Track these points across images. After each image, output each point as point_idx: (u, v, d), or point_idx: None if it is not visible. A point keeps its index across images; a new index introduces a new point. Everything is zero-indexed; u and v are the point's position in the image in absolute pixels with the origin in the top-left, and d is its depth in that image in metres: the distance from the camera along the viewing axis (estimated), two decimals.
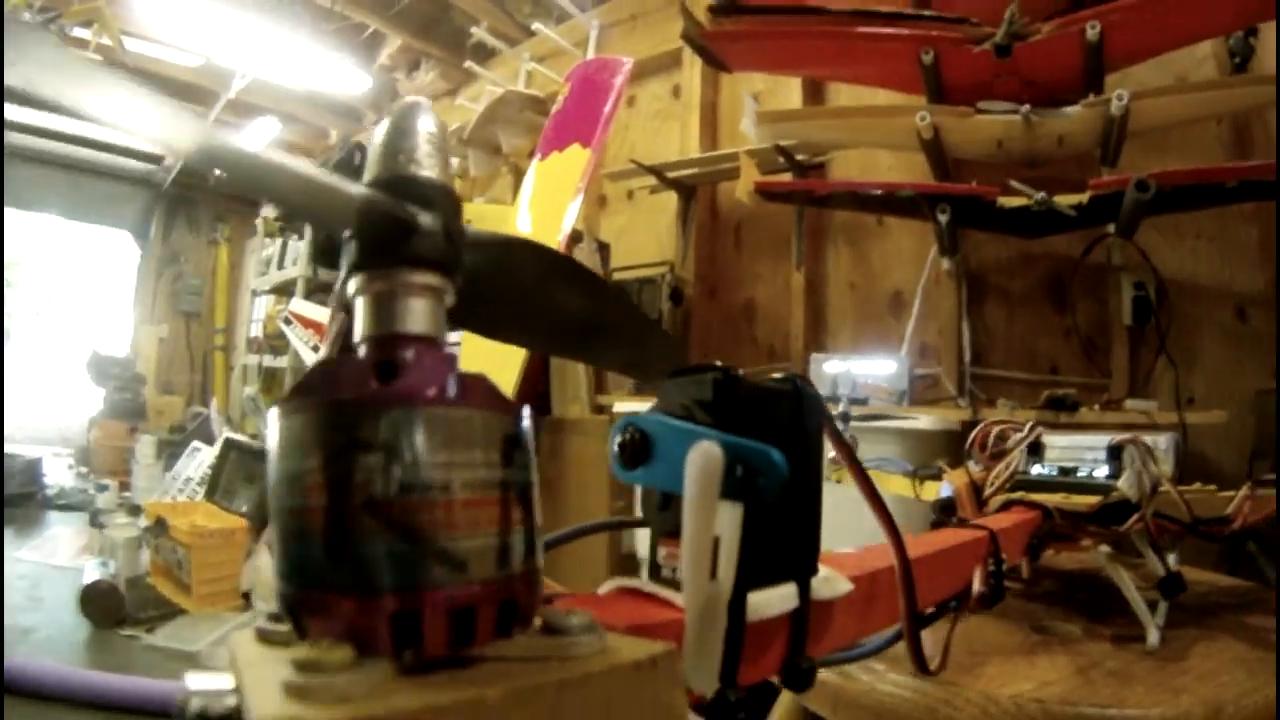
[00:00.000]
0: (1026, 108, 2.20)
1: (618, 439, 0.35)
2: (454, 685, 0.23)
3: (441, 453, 0.25)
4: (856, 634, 0.44)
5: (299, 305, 4.24)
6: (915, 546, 0.47)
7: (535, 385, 2.62)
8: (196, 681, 0.24)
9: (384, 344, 0.27)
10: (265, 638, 0.26)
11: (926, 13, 2.29)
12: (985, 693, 0.61)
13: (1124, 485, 0.78)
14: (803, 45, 2.36)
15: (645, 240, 3.34)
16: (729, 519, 0.32)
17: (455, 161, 3.78)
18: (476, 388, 0.27)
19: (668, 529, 0.35)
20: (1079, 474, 0.84)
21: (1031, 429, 0.90)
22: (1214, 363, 2.44)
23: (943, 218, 2.24)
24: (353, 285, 0.28)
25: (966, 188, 2.26)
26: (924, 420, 2.10)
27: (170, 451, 4.39)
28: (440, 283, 0.28)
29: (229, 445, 3.64)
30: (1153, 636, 0.73)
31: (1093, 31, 2.12)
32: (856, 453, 0.50)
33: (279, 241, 5.19)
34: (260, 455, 2.73)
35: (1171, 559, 0.79)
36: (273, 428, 0.27)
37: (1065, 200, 2.14)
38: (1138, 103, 2.15)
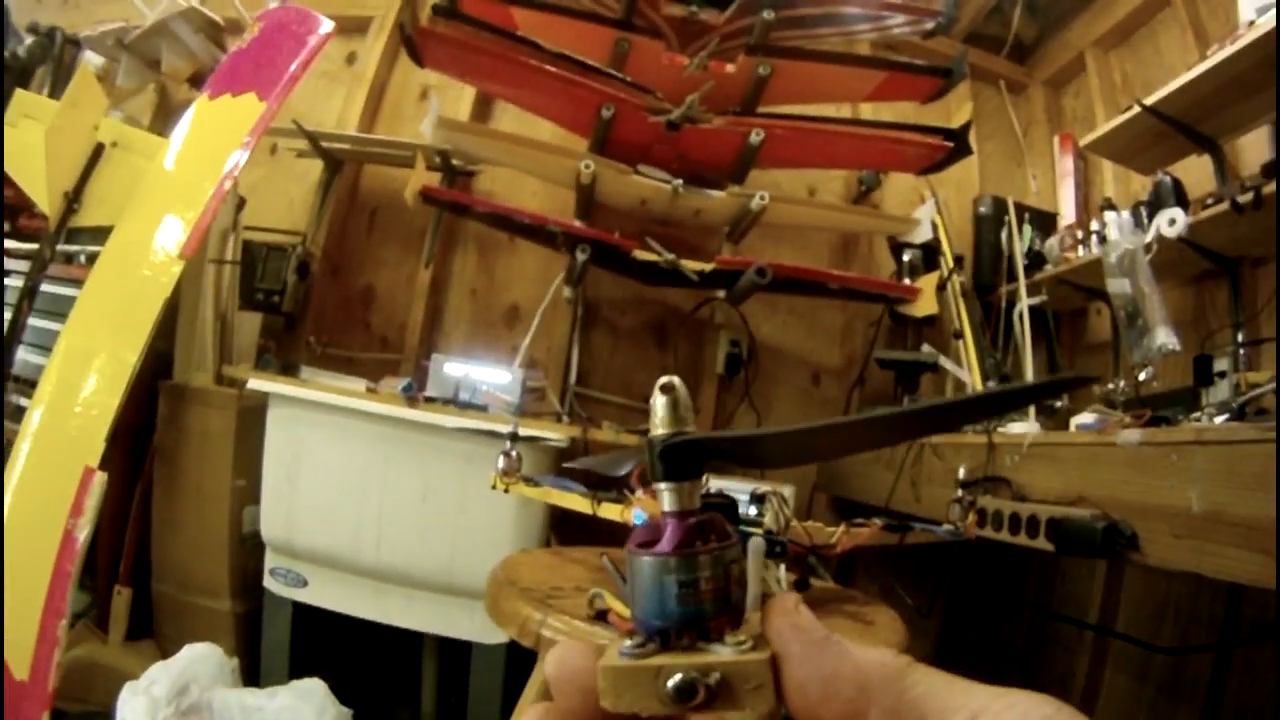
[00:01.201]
0: (679, 182, 2.47)
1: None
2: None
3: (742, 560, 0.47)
4: None
5: None
6: None
7: (156, 341, 2.33)
8: (684, 674, 0.43)
9: (685, 515, 0.47)
10: (644, 655, 0.45)
11: (623, 75, 2.47)
12: None
13: (768, 520, 1.08)
14: (502, 67, 2.45)
15: (277, 201, 3.14)
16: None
17: (100, 62, 3.37)
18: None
19: None
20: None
21: (704, 479, 1.16)
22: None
23: (582, 256, 2.44)
24: (664, 486, 0.47)
25: (609, 236, 2.47)
26: (542, 434, 2.21)
27: None
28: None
29: None
30: None
31: (756, 137, 2.45)
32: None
33: None
34: None
35: (782, 570, 1.08)
36: (648, 560, 0.45)
37: (692, 266, 2.44)
38: (774, 204, 2.51)
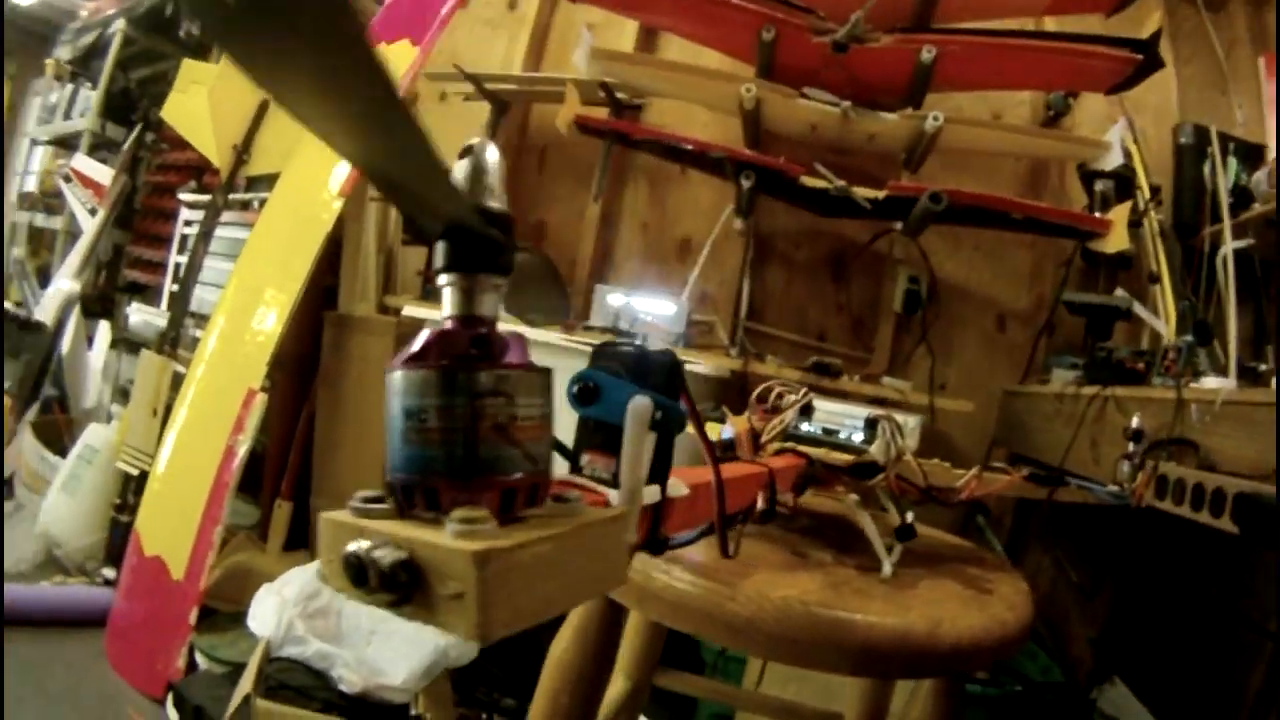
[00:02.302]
0: (848, 104, 2.32)
1: (576, 386, 0.53)
2: (537, 528, 0.40)
3: (529, 398, 0.41)
4: (684, 525, 0.61)
5: (81, 162, 3.99)
6: (723, 473, 0.64)
7: (323, 278, 2.55)
8: (359, 544, 0.36)
9: (470, 322, 0.41)
10: (365, 514, 0.39)
11: None
12: (760, 592, 0.74)
13: (874, 450, 0.94)
14: None
15: (449, 146, 3.08)
16: (649, 444, 0.52)
17: None
18: (531, 359, 0.42)
19: (594, 444, 0.53)
20: (839, 435, 0.98)
21: (805, 394, 1.02)
22: (969, 360, 2.77)
23: (746, 183, 2.35)
24: (444, 278, 0.41)
25: (774, 161, 2.36)
26: (700, 366, 2.20)
27: None
28: (504, 282, 0.42)
29: None
30: (887, 568, 0.87)
31: (928, 54, 2.28)
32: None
33: (68, 88, 4.73)
34: (26, 325, 2.59)
35: (909, 516, 0.93)
36: (402, 375, 0.40)
37: (863, 193, 2.29)
38: (950, 125, 2.32)
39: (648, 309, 2.47)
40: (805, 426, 1.00)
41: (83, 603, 2.25)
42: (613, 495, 0.50)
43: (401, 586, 0.35)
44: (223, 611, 2.14)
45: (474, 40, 3.26)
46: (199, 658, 1.99)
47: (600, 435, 0.53)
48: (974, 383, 2.72)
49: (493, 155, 0.42)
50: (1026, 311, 2.81)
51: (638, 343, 0.57)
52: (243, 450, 2.07)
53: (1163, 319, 2.07)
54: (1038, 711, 1.97)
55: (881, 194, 2.30)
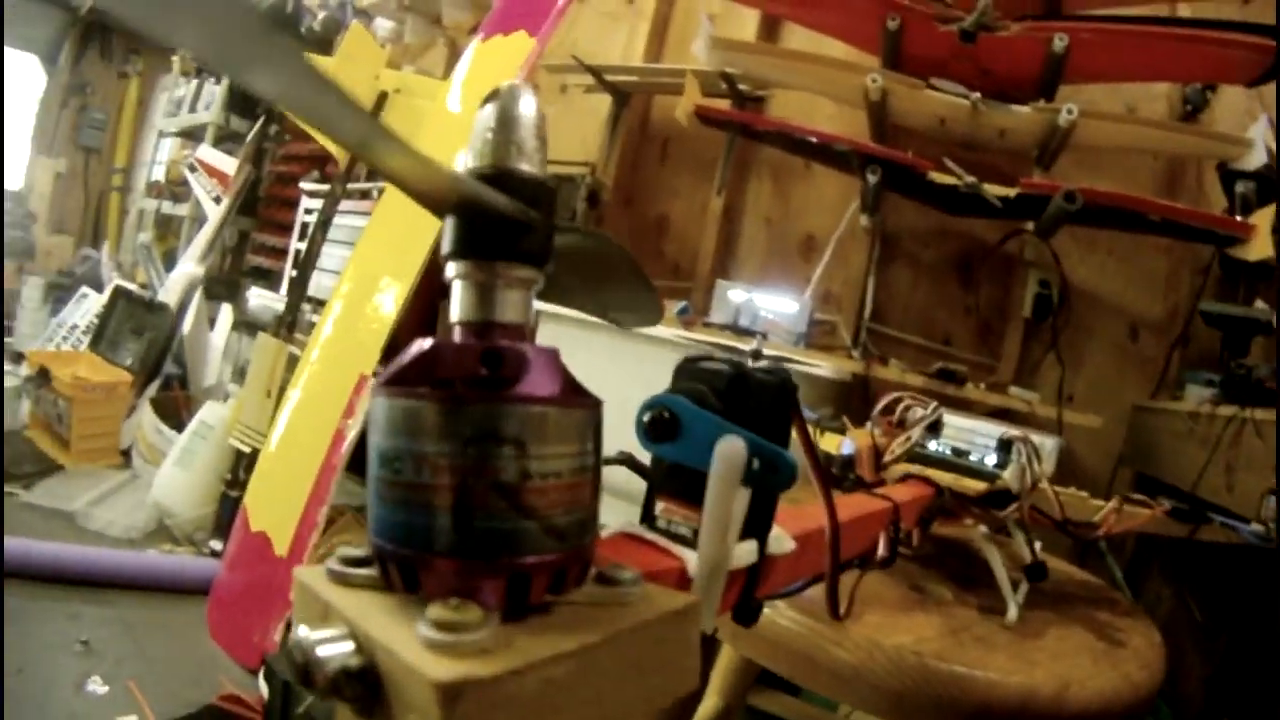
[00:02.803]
0: (978, 95, 2.23)
1: (648, 416, 0.41)
2: (557, 632, 0.29)
3: (556, 445, 0.29)
4: (787, 582, 0.51)
5: (206, 152, 4.10)
6: (840, 511, 0.53)
7: (439, 268, 2.52)
8: (307, 633, 0.27)
9: (486, 330, 0.30)
10: (342, 580, 0.30)
11: None
12: (870, 638, 0.68)
13: (1008, 476, 0.85)
14: None
15: (570, 137, 3.25)
16: (741, 502, 0.39)
17: (390, 25, 3.64)
18: (572, 384, 0.31)
19: (671, 490, 0.42)
20: (970, 457, 0.90)
21: (935, 409, 0.95)
22: (1099, 371, 2.61)
23: (872, 178, 2.27)
24: (452, 269, 0.31)
25: (902, 156, 2.28)
26: (820, 369, 2.15)
27: (57, 296, 4.22)
28: (537, 276, 0.31)
29: (118, 293, 3.58)
30: (1012, 612, 0.81)
31: (1060, 43, 2.17)
32: None
33: (194, 83, 4.86)
34: (150, 306, 2.69)
35: (1038, 546, 0.86)
36: (385, 405, 0.29)
37: (994, 190, 2.19)
38: (1085, 119, 2.21)
39: (769, 306, 2.41)
40: (933, 445, 0.93)
41: (189, 572, 2.30)
42: (690, 560, 0.39)
43: (356, 698, 0.27)
44: None
45: (594, 32, 3.25)
46: None
47: (681, 479, 0.41)
48: (1103, 396, 2.58)
49: (528, 102, 0.32)
50: (1160, 321, 2.63)
51: (737, 359, 0.43)
52: (352, 434, 2.08)
53: None
54: None
55: (1013, 192, 2.19)
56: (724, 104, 2.73)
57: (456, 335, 0.30)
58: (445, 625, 0.26)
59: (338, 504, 2.22)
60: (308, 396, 2.24)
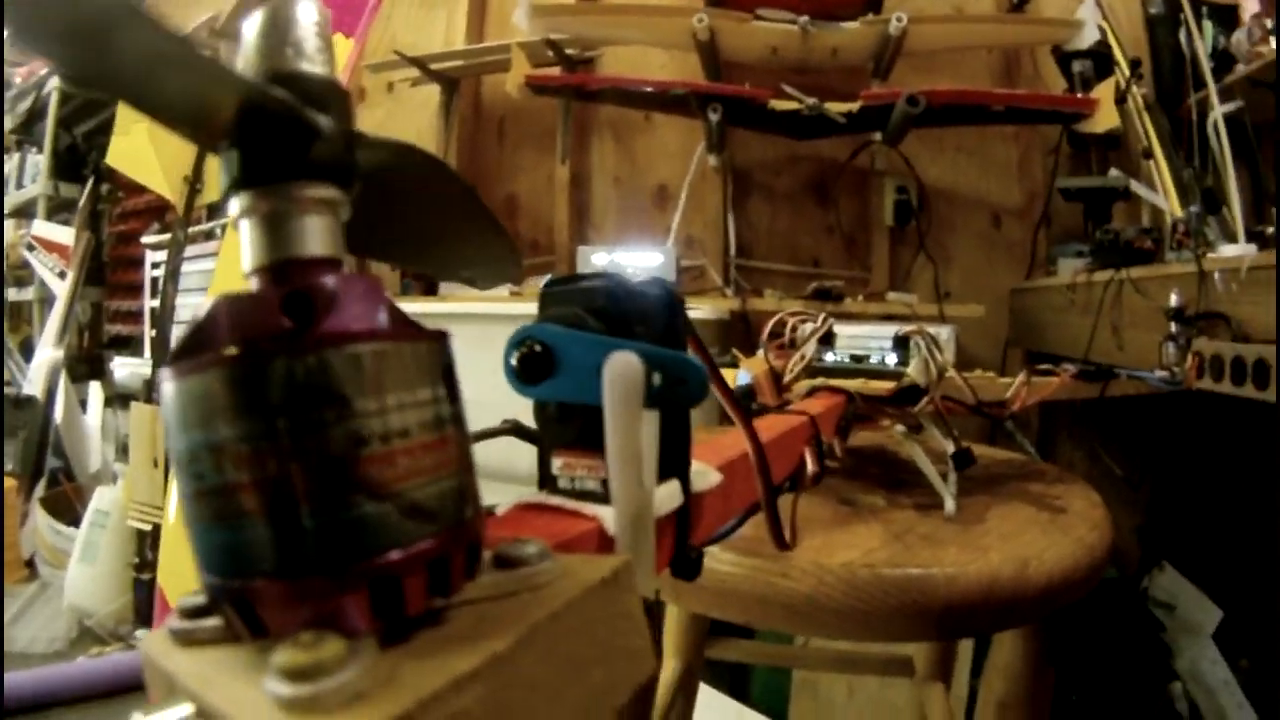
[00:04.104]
0: (805, 19, 2.23)
1: (516, 354, 0.34)
2: (455, 646, 0.21)
3: (395, 394, 0.22)
4: (720, 522, 0.46)
5: (42, 228, 3.89)
6: (760, 433, 0.48)
7: None
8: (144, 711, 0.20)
9: (285, 272, 0.23)
10: (188, 639, 0.23)
11: None
12: (816, 563, 0.64)
13: (913, 371, 0.82)
14: None
15: (404, 135, 3.01)
16: (650, 428, 0.32)
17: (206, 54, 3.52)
18: (399, 314, 0.24)
19: (566, 441, 0.35)
20: (870, 360, 0.87)
21: (825, 320, 0.93)
22: (969, 262, 2.69)
23: (714, 117, 2.27)
24: (236, 206, 0.23)
25: (739, 89, 2.29)
26: (699, 310, 2.13)
27: None
28: (341, 197, 0.24)
29: None
30: (950, 504, 0.78)
31: None
32: None
33: (15, 156, 4.55)
34: (18, 403, 2.54)
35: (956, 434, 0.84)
36: (170, 392, 0.21)
37: (836, 108, 2.21)
38: (915, 25, 2.25)
39: (634, 263, 2.40)
40: (830, 357, 0.89)
41: (124, 669, 2.16)
42: (606, 516, 0.32)
43: None
44: None
45: (412, 22, 3.17)
46: None
47: (573, 425, 0.34)
48: (979, 286, 2.65)
49: (305, 3, 0.24)
50: (1020, 206, 2.71)
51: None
52: None
53: (1162, 194, 1.99)
54: (1093, 608, 1.97)
55: (855, 106, 2.22)
56: (555, 72, 2.70)
57: (253, 286, 0.23)
58: (297, 673, 0.18)
59: None
60: None
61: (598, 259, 2.44)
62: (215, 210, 2.70)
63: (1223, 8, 2.32)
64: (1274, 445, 1.33)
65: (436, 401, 0.23)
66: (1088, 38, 2.30)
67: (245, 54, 0.24)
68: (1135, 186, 2.12)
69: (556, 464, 0.35)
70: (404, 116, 3.18)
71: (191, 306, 2.63)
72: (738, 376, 0.83)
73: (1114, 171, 2.23)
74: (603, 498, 0.33)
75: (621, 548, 0.32)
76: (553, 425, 0.35)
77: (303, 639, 0.19)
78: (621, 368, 0.31)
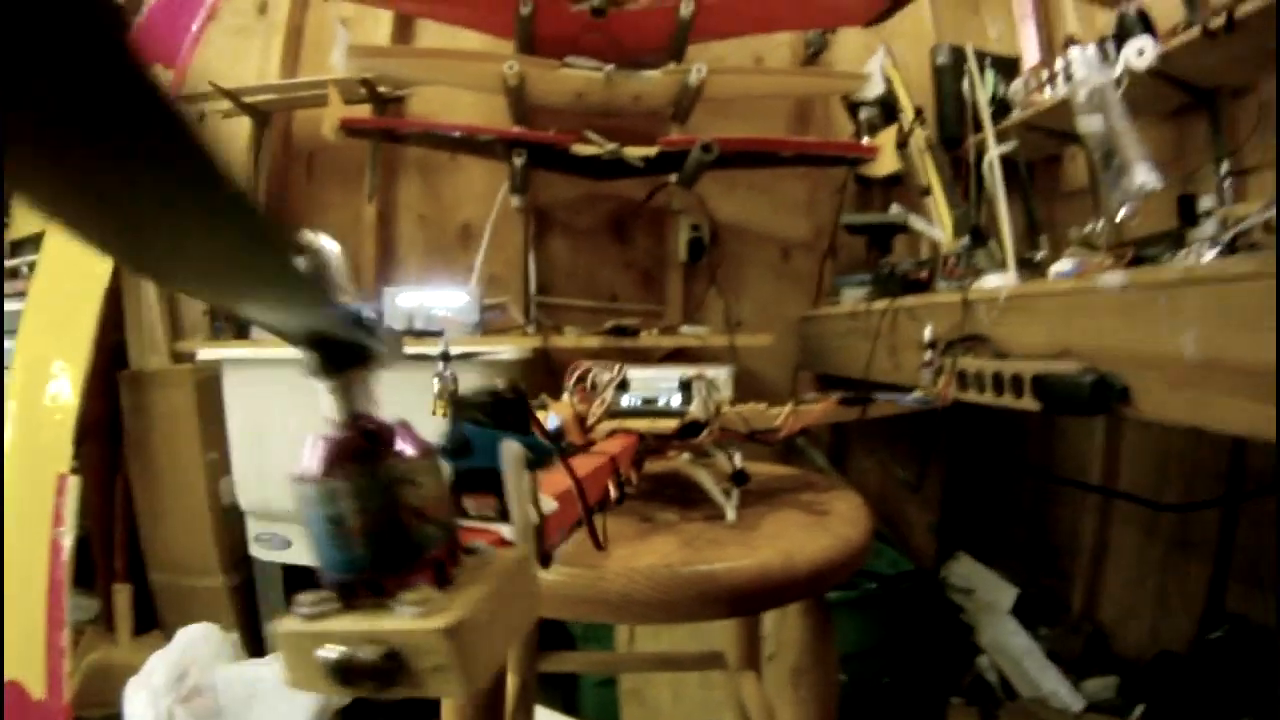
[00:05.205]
0: (611, 67, 2.37)
1: (449, 444, 0.56)
2: (473, 584, 0.42)
3: (429, 476, 0.44)
4: (557, 531, 0.64)
5: None
6: (578, 470, 0.70)
7: (109, 336, 2.38)
8: (330, 650, 0.38)
9: (357, 420, 0.42)
10: (321, 617, 0.40)
11: None
12: (625, 566, 0.81)
13: (694, 410, 1.00)
14: None
15: None
16: (530, 482, 0.55)
17: None
18: (416, 435, 0.44)
19: (471, 488, 0.56)
20: (659, 402, 1.03)
21: (619, 369, 1.08)
22: (760, 294, 2.90)
23: (518, 160, 2.39)
24: (322, 385, 0.42)
25: (544, 135, 2.39)
26: (503, 351, 2.18)
27: None
28: (372, 370, 0.43)
29: None
30: (730, 514, 0.96)
31: (687, 9, 2.35)
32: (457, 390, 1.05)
33: None
34: None
35: (738, 458, 1.02)
36: (315, 490, 0.40)
37: (634, 152, 2.35)
38: (714, 76, 2.41)
39: (439, 303, 2.39)
40: (625, 400, 1.04)
41: None
42: (505, 530, 0.54)
43: (387, 675, 0.37)
44: (93, 718, 2.05)
45: (226, 51, 3.05)
46: None
47: (475, 478, 0.56)
48: (769, 315, 2.85)
49: (331, 248, 0.40)
50: (808, 239, 2.95)
51: (489, 386, 0.64)
52: (68, 542, 1.96)
53: (939, 228, 2.22)
54: (896, 600, 2.16)
55: (654, 151, 2.36)
56: (365, 109, 2.71)
57: (338, 430, 0.42)
58: (419, 602, 0.38)
59: (73, 621, 2.04)
60: (9, 517, 2.03)
61: (403, 301, 2.39)
62: (20, 246, 2.51)
63: (1006, 61, 2.61)
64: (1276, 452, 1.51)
65: (439, 474, 0.45)
66: (875, 88, 2.52)
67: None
68: (913, 221, 2.32)
69: (467, 503, 0.56)
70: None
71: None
72: (548, 419, 0.95)
73: (895, 207, 2.43)
74: (498, 520, 0.54)
75: (518, 545, 0.53)
76: (463, 479, 0.56)
77: (412, 592, 0.39)
78: (514, 450, 0.53)
